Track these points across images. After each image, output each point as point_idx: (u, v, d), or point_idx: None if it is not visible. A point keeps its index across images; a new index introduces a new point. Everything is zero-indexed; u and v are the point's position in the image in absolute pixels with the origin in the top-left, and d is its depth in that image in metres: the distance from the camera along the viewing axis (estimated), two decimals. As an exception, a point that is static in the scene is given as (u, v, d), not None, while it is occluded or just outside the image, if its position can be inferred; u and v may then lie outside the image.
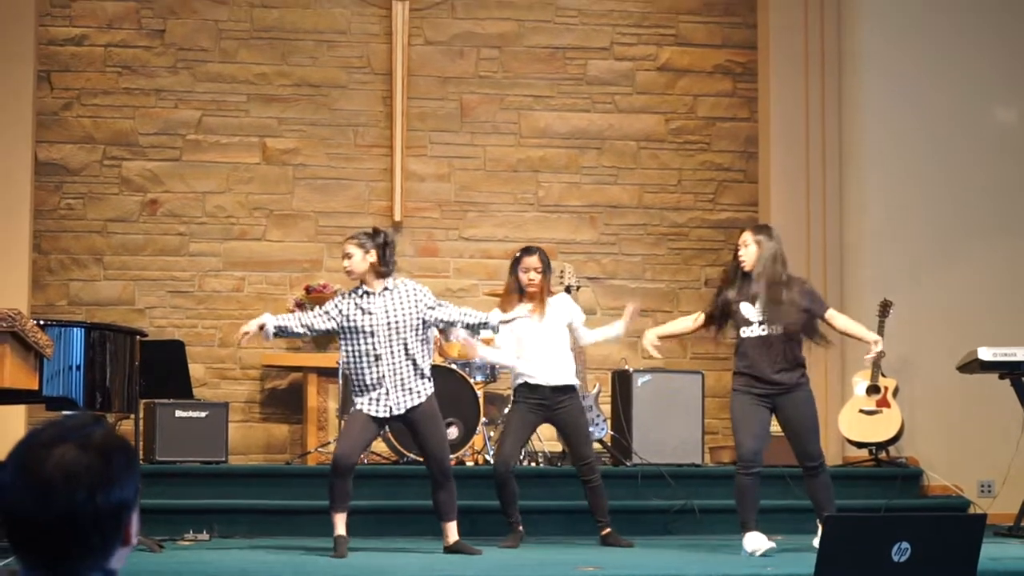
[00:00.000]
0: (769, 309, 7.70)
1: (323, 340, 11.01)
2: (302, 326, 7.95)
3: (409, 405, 7.78)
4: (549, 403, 8.30)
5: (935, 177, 11.11)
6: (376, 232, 7.97)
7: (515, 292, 8.32)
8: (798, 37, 11.49)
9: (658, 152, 11.94)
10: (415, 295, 7.84)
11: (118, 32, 11.44)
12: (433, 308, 7.84)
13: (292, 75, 11.60)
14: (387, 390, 7.75)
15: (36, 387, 7.15)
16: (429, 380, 7.87)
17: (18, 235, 10.86)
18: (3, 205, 10.81)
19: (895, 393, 10.36)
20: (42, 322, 7.32)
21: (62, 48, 11.36)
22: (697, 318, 8.10)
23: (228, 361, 11.35)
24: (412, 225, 11.63)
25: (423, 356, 7.85)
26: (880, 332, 10.19)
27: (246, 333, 7.87)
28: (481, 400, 10.04)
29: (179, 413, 9.85)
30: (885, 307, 10.33)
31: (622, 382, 10.28)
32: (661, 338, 8.18)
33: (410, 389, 7.79)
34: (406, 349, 7.78)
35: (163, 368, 9.56)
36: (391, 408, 7.76)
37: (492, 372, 10.31)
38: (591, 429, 9.82)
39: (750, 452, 7.70)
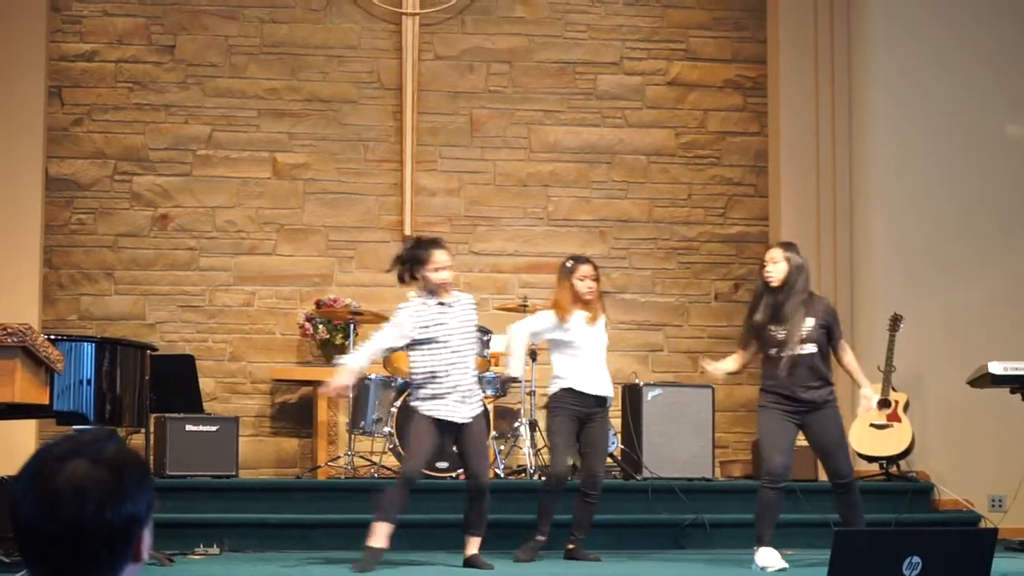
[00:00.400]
0: (791, 325, 7.74)
1: (333, 354, 11.01)
2: (384, 350, 8.14)
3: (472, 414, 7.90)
4: (588, 412, 8.37)
5: (944, 191, 11.10)
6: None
7: (574, 300, 8.42)
8: (808, 52, 11.49)
9: (668, 166, 11.95)
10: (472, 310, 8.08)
11: (128, 48, 11.47)
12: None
13: (302, 90, 11.62)
14: (460, 397, 7.86)
15: (47, 402, 7.16)
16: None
17: (29, 250, 10.89)
18: (14, 220, 10.84)
19: (906, 407, 10.35)
20: (53, 337, 7.33)
21: (73, 64, 11.39)
22: (736, 359, 8.15)
23: (238, 375, 11.36)
24: (422, 239, 11.63)
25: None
26: (891, 346, 10.20)
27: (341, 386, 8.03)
28: (491, 414, 10.04)
29: (189, 427, 9.85)
30: (895, 321, 10.32)
31: (632, 396, 10.27)
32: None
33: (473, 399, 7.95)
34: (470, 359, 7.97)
35: (173, 382, 9.59)
36: (456, 415, 7.86)
37: (502, 387, 10.31)
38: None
39: (779, 467, 7.71)
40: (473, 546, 7.90)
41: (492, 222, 11.74)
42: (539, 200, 11.81)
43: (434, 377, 7.82)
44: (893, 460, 10.36)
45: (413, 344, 7.88)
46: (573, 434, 8.42)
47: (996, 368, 9.03)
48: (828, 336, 7.88)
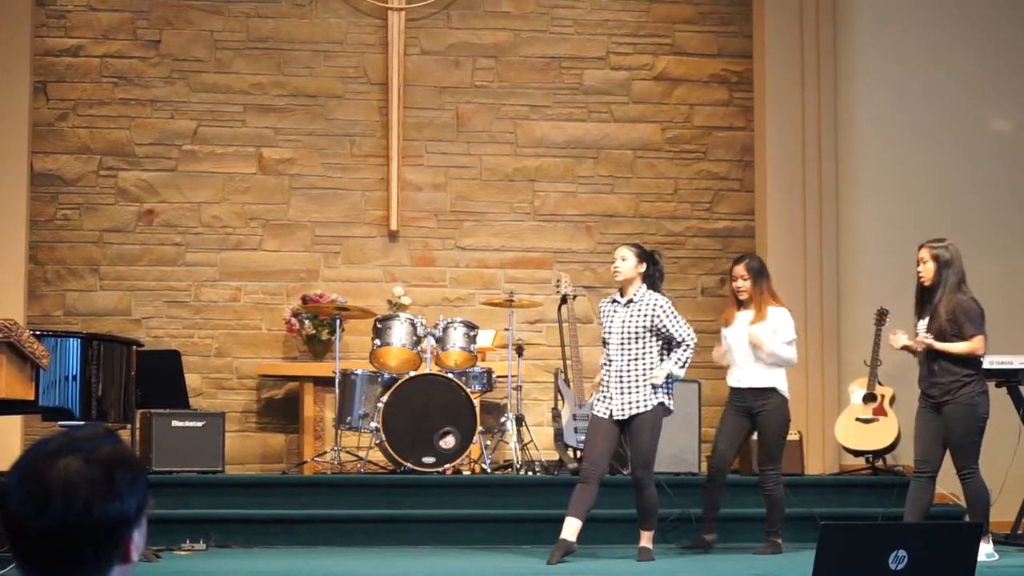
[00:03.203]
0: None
1: (319, 350, 11.01)
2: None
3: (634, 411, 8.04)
4: (747, 406, 8.66)
5: (931, 185, 11.12)
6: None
7: (733, 302, 8.79)
8: (794, 46, 11.49)
9: (654, 161, 11.95)
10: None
11: (113, 43, 11.44)
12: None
13: (288, 85, 11.60)
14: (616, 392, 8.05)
15: (32, 397, 7.15)
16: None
17: (14, 246, 10.86)
18: (-1, 216, 10.82)
19: (892, 401, 10.36)
20: (38, 332, 7.32)
21: (58, 59, 11.36)
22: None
23: (224, 371, 11.34)
24: (408, 235, 11.63)
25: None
26: (876, 340, 10.22)
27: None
28: (478, 409, 10.04)
29: (175, 423, 9.83)
30: (882, 315, 10.33)
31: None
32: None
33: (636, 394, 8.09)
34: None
35: (159, 378, 9.57)
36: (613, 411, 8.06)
37: (489, 381, 10.32)
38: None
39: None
40: (644, 538, 8.11)
41: (478, 217, 11.73)
42: (525, 195, 11.81)
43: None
44: (879, 454, 10.38)
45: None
46: (731, 427, 8.70)
47: (983, 362, 9.04)
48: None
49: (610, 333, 8.09)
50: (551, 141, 11.85)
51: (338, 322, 10.35)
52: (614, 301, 8.16)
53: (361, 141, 11.63)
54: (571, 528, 7.86)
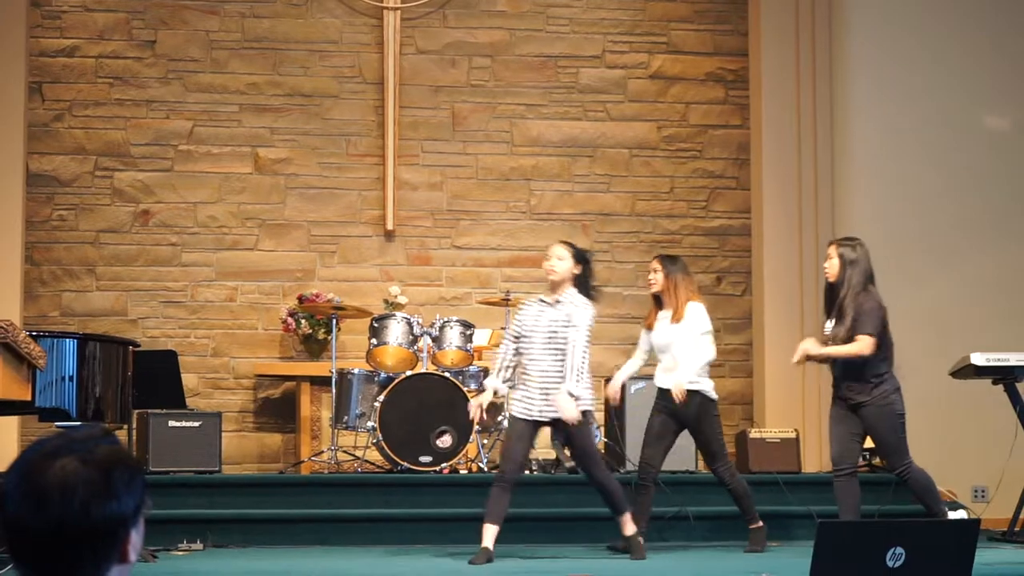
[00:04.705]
0: None
1: (316, 349, 11.01)
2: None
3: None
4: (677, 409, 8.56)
5: (927, 183, 11.13)
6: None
7: (653, 304, 8.72)
8: (789, 44, 11.49)
9: (650, 160, 11.95)
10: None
11: (109, 43, 11.44)
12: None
13: (284, 85, 11.60)
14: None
15: (29, 398, 7.15)
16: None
17: (10, 246, 10.85)
18: (-5, 216, 10.82)
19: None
20: (35, 333, 7.32)
21: (53, 59, 11.35)
22: None
23: (221, 371, 11.34)
24: (404, 234, 11.63)
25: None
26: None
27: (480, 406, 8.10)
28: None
29: (172, 423, 9.83)
30: (878, 313, 10.31)
31: (615, 390, 10.25)
32: None
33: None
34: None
35: (156, 378, 9.58)
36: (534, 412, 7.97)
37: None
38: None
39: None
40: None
41: (475, 216, 11.72)
42: (521, 194, 11.81)
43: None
44: (874, 451, 10.38)
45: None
46: (658, 429, 8.61)
47: (978, 359, 9.05)
48: None
49: (535, 332, 7.91)
50: (547, 140, 11.85)
51: (334, 321, 10.35)
52: (542, 301, 8.02)
53: (357, 141, 11.63)
54: (492, 535, 7.78)
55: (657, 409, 8.59)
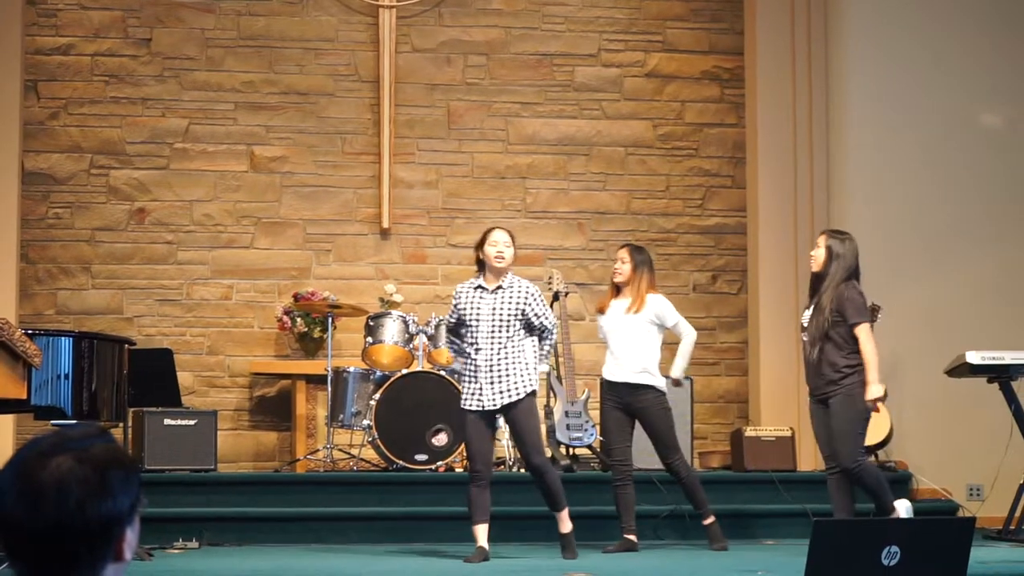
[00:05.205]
0: None
1: (312, 347, 11.01)
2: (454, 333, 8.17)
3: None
4: (628, 402, 8.56)
5: (923, 181, 11.13)
6: None
7: (611, 289, 8.75)
8: (785, 42, 11.50)
9: (646, 158, 11.95)
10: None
11: (104, 41, 11.43)
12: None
13: (279, 83, 11.59)
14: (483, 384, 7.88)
15: (24, 396, 7.14)
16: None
17: (5, 245, 10.84)
18: (-10, 214, 10.81)
19: (884, 397, 10.37)
20: (30, 331, 7.31)
21: (49, 57, 11.35)
22: None
23: (217, 369, 11.34)
24: (400, 232, 11.63)
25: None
26: (868, 336, 10.21)
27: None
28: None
29: (168, 421, 9.83)
30: (873, 311, 10.31)
31: (611, 388, 10.24)
32: None
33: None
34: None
35: (152, 376, 9.57)
36: (485, 402, 7.91)
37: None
38: (579, 435, 9.84)
39: None
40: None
41: (470, 215, 11.72)
42: (517, 192, 11.81)
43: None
44: (871, 450, 10.38)
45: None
46: (617, 424, 8.60)
47: (973, 358, 9.06)
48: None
49: (478, 320, 7.87)
50: (542, 138, 11.85)
51: (330, 320, 10.35)
52: (479, 287, 7.96)
53: (352, 139, 11.63)
54: (485, 533, 7.77)
55: (610, 405, 8.54)
